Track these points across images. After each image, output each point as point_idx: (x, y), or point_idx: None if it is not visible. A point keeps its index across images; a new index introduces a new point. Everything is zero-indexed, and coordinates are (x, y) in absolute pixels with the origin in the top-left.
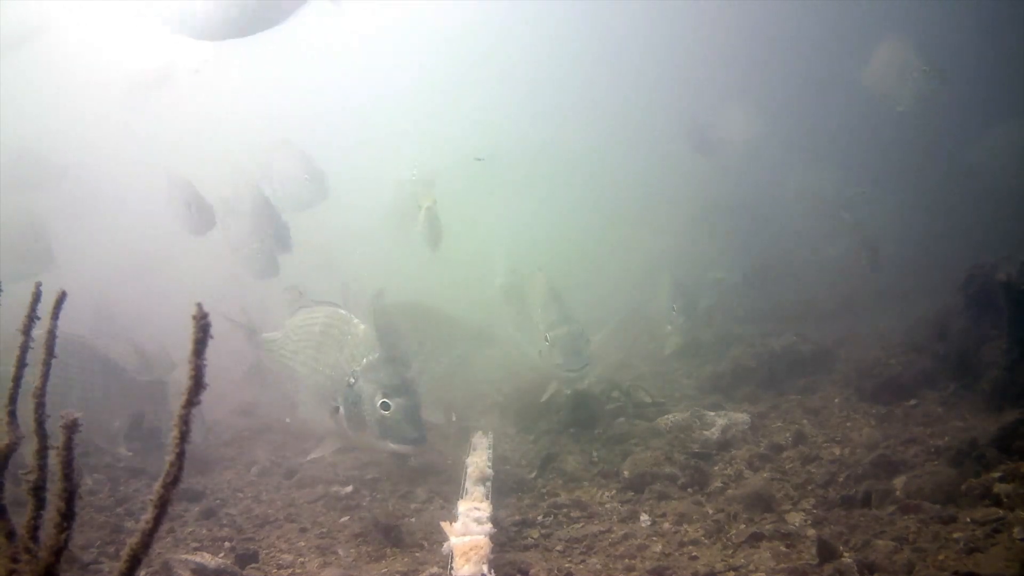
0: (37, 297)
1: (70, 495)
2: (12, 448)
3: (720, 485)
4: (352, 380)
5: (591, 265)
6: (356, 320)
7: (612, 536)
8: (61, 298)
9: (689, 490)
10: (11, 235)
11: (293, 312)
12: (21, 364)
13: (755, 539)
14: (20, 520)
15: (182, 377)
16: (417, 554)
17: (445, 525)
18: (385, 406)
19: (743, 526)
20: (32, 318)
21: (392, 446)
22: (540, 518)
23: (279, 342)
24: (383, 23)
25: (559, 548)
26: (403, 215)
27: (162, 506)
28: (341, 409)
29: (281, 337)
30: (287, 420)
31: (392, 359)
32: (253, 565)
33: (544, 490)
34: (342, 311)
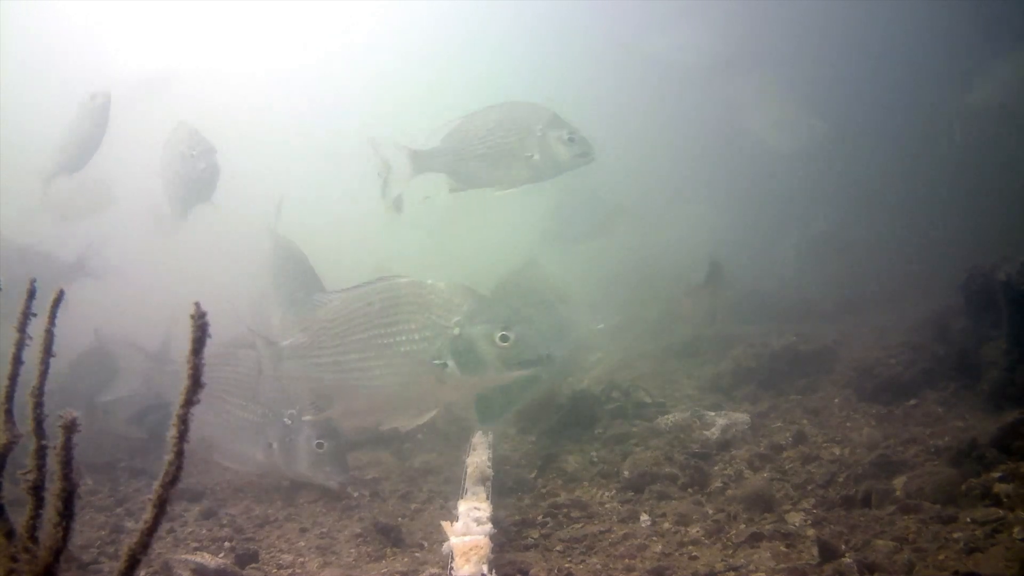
0: (31, 294)
1: (69, 495)
2: (9, 447)
3: (720, 485)
4: (456, 329)
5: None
6: (429, 281)
7: (612, 536)
8: (59, 297)
9: (689, 490)
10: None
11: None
12: (17, 362)
13: (755, 539)
14: (20, 520)
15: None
16: (417, 554)
17: (445, 524)
18: (505, 338)
19: (743, 526)
20: (27, 315)
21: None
22: (540, 518)
23: (311, 346)
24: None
25: (559, 548)
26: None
27: (162, 506)
28: (451, 364)
29: (313, 338)
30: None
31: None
32: (253, 565)
33: (544, 490)
34: (402, 278)
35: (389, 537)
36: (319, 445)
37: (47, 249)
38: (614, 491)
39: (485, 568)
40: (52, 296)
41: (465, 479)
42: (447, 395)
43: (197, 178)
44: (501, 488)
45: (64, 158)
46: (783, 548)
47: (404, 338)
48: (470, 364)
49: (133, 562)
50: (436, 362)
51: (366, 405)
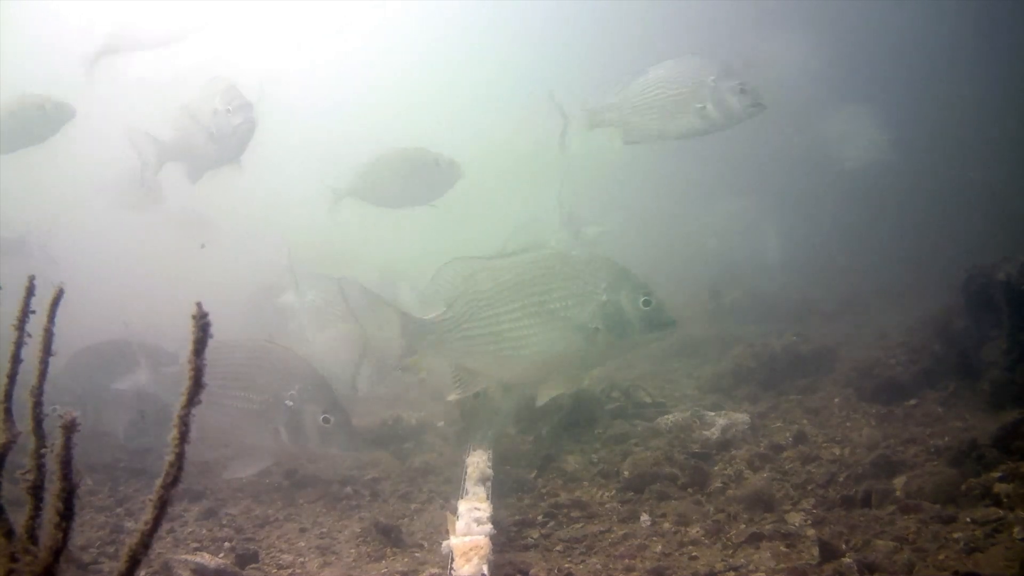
0: (30, 291)
1: (69, 495)
2: (8, 447)
3: (720, 485)
4: (604, 295)
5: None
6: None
7: (612, 536)
8: (58, 295)
9: (689, 490)
10: None
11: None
12: (16, 360)
13: (755, 539)
14: (19, 520)
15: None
16: (417, 554)
17: (449, 518)
18: (647, 302)
19: (743, 526)
20: (26, 313)
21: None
22: (540, 518)
23: (459, 319)
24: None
25: (559, 548)
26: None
27: (162, 506)
28: (602, 328)
29: (460, 311)
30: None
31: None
32: (253, 565)
33: (544, 490)
34: (546, 250)
35: (389, 537)
36: (325, 420)
37: None
38: (614, 491)
39: (485, 568)
40: (52, 294)
41: (465, 479)
42: (596, 360)
43: (231, 134)
44: (501, 488)
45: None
46: (783, 548)
47: (559, 305)
48: (619, 327)
49: (133, 562)
50: (590, 327)
51: (520, 374)
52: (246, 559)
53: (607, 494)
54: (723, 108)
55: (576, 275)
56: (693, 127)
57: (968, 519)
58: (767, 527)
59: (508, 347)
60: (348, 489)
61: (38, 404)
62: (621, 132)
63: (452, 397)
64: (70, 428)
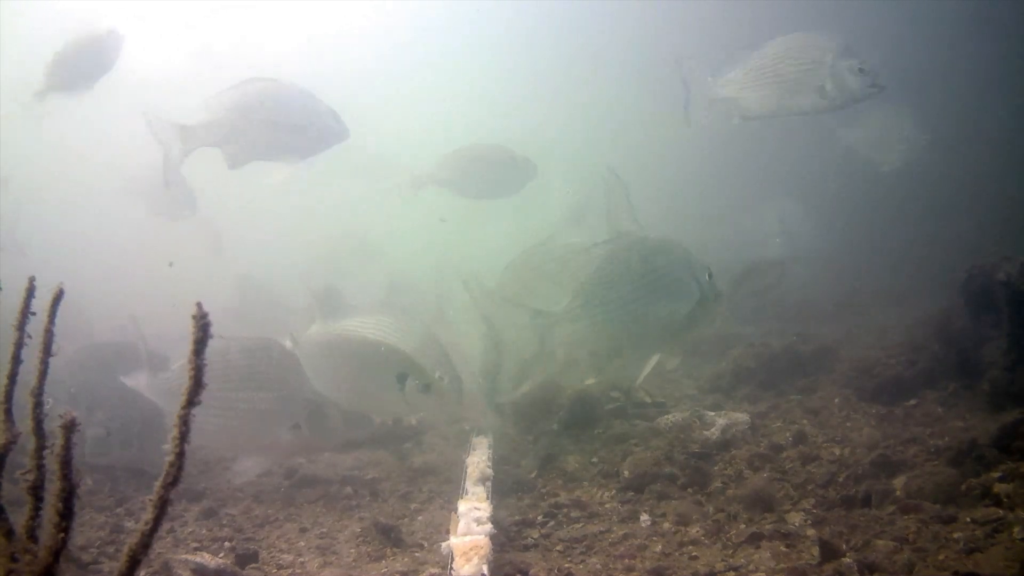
0: (31, 292)
1: (69, 495)
2: (8, 447)
3: (720, 485)
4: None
5: None
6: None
7: (612, 536)
8: (59, 295)
9: (689, 490)
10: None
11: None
12: (16, 361)
13: (755, 539)
14: (19, 520)
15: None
16: (417, 554)
17: (452, 516)
18: (711, 275)
19: (743, 526)
20: (26, 314)
21: None
22: (540, 518)
23: (587, 305)
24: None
25: (559, 548)
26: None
27: (162, 506)
28: (707, 299)
29: (585, 299)
30: None
31: None
32: (253, 565)
33: (544, 490)
34: (651, 235)
35: (389, 537)
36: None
37: None
38: (614, 491)
39: (485, 568)
40: (52, 294)
41: (465, 479)
42: (702, 326)
43: (323, 138)
44: (501, 488)
45: None
46: (783, 548)
47: (668, 282)
48: (704, 298)
49: (133, 562)
50: (699, 299)
51: (644, 347)
52: (246, 559)
53: (607, 494)
54: (842, 87)
55: (669, 253)
56: (811, 105)
57: (968, 519)
58: (767, 527)
59: (635, 325)
60: (348, 489)
61: (38, 404)
62: (738, 108)
63: (589, 382)
64: (70, 428)
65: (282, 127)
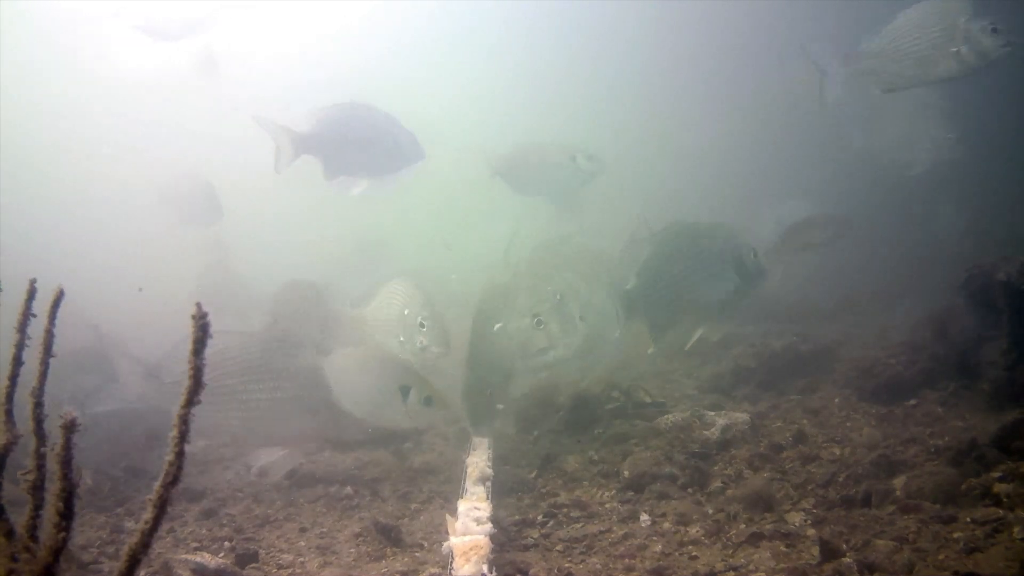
0: (31, 294)
1: (69, 495)
2: (9, 448)
3: (720, 485)
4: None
5: None
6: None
7: (612, 536)
8: (59, 297)
9: (689, 490)
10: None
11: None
12: (17, 362)
13: (755, 539)
14: (20, 520)
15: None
16: (417, 554)
17: (449, 519)
18: (756, 254)
19: (743, 526)
20: (27, 315)
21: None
22: (540, 518)
23: (646, 285)
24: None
25: (559, 548)
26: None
27: (162, 506)
28: (741, 277)
29: (648, 280)
30: None
31: None
32: (253, 565)
33: (544, 490)
34: (695, 221)
35: (389, 537)
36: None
37: None
38: (614, 491)
39: (485, 568)
40: (52, 296)
41: (465, 479)
42: (735, 304)
43: (404, 157)
44: (501, 488)
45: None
46: (783, 548)
47: (714, 260)
48: (748, 275)
49: (133, 562)
50: (732, 278)
51: (694, 320)
52: (246, 559)
53: (607, 494)
54: (978, 49)
55: (714, 236)
56: (949, 71)
57: (968, 519)
58: (767, 527)
59: (689, 299)
60: (348, 489)
61: (39, 405)
62: (879, 80)
63: (650, 351)
64: (70, 428)
65: (373, 146)
